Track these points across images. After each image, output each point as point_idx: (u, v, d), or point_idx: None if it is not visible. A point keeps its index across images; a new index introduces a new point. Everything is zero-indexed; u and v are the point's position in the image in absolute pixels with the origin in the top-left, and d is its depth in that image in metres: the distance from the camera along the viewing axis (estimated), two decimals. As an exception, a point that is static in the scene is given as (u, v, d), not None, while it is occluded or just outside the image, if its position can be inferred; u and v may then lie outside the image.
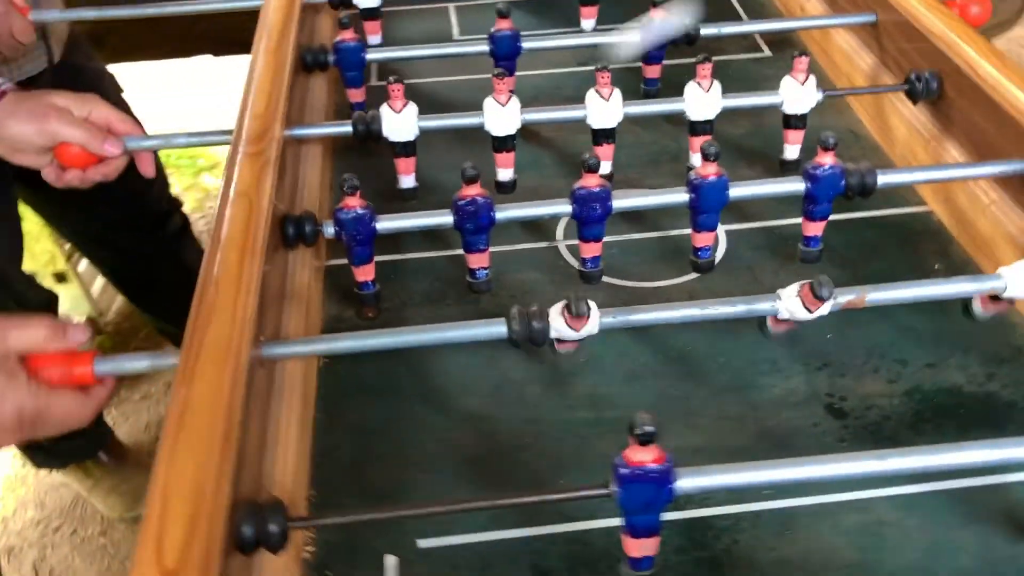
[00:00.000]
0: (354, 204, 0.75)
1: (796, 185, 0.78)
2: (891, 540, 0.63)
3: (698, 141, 0.91)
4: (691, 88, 0.90)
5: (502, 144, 0.89)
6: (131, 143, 0.87)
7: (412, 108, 0.87)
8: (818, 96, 0.92)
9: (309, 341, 0.66)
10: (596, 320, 0.65)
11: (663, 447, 0.53)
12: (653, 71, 1.04)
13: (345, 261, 0.88)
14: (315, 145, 0.96)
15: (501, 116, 0.87)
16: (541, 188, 0.96)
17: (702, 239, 0.79)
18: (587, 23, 1.18)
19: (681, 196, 0.77)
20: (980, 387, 0.74)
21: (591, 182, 0.75)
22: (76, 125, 0.84)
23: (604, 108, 0.88)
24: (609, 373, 0.76)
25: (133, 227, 1.52)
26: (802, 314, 0.64)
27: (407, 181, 0.91)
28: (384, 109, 0.87)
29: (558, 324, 0.64)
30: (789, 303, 0.65)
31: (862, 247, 0.89)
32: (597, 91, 0.88)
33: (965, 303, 0.70)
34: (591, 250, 0.79)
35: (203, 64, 2.38)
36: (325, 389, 0.75)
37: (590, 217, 0.76)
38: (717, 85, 0.90)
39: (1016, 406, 0.72)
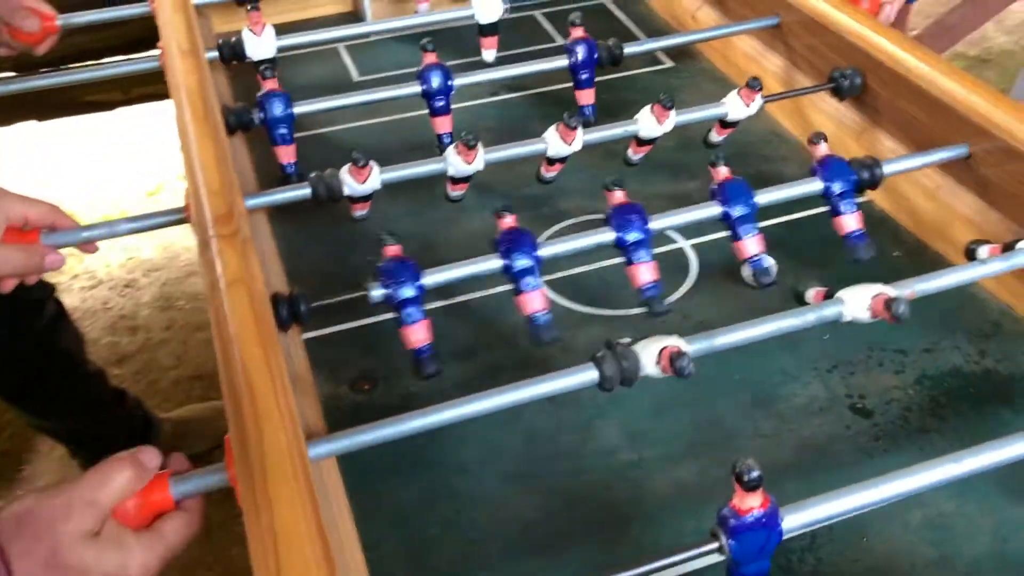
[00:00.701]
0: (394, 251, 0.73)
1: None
2: (959, 530, 0.65)
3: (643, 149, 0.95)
4: (646, 114, 0.90)
5: (464, 181, 0.88)
6: (66, 238, 0.78)
7: (375, 168, 0.82)
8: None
9: (360, 432, 0.60)
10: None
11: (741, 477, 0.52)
12: (587, 97, 1.04)
13: (319, 332, 0.83)
14: (260, 213, 0.89)
15: (466, 168, 0.85)
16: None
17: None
18: (488, 53, 1.16)
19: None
20: (978, 365, 0.78)
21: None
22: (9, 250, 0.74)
23: (565, 148, 0.88)
24: (634, 408, 0.75)
25: (4, 323, 1.37)
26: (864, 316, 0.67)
27: (360, 213, 0.89)
28: (345, 174, 0.82)
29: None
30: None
31: (821, 244, 0.91)
32: (559, 134, 0.86)
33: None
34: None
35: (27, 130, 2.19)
36: (349, 476, 0.69)
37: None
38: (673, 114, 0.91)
39: (1015, 378, 0.76)
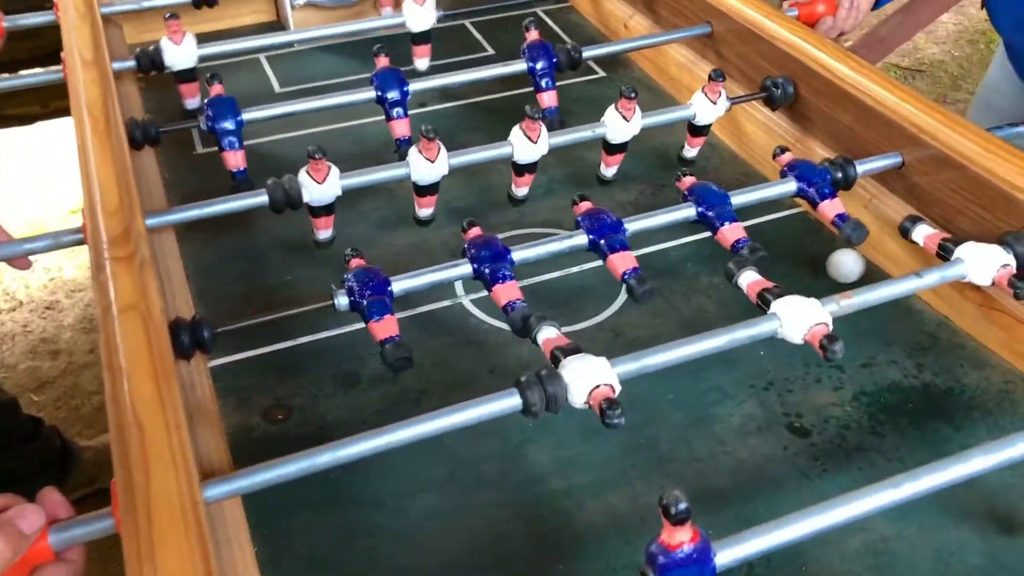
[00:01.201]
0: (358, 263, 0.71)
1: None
2: (900, 555, 0.62)
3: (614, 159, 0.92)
4: (611, 113, 0.88)
5: (430, 190, 0.85)
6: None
7: (334, 169, 0.79)
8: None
9: (265, 469, 0.55)
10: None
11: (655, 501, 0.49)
12: (550, 99, 1.01)
13: (230, 359, 0.78)
14: (167, 233, 0.84)
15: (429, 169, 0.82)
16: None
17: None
18: (421, 62, 1.12)
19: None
20: (916, 379, 0.76)
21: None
22: None
23: (531, 147, 0.85)
24: (563, 433, 0.71)
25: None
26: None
27: (324, 234, 0.85)
28: (303, 176, 0.78)
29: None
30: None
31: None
32: (523, 131, 0.84)
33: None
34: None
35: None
36: (256, 516, 0.64)
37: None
38: (638, 109, 0.89)
39: (953, 392, 0.74)
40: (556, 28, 1.31)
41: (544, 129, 0.85)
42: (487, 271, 0.72)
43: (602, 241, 0.74)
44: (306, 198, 0.78)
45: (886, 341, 0.79)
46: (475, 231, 0.75)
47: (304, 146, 0.77)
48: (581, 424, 0.71)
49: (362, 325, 0.69)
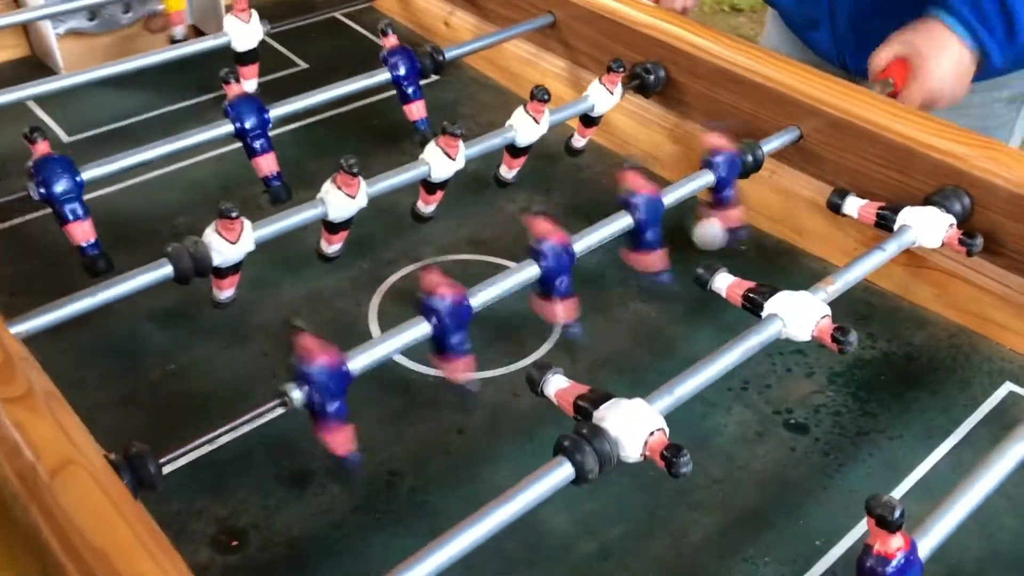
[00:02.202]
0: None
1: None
2: None
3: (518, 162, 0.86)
4: (520, 115, 0.82)
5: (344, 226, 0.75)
6: None
7: (248, 226, 0.67)
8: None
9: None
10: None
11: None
12: (419, 109, 0.91)
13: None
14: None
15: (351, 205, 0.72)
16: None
17: None
18: (250, 84, 0.98)
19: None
20: (875, 349, 0.76)
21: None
22: None
23: (450, 165, 0.77)
24: (569, 489, 0.63)
25: None
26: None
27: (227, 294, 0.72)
28: (213, 238, 0.64)
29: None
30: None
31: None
32: (442, 148, 0.75)
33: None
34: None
35: None
36: None
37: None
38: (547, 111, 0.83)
39: (911, 357, 0.75)
40: (363, 32, 1.20)
41: (462, 145, 0.76)
42: (451, 340, 0.62)
43: (558, 281, 0.67)
44: (216, 261, 0.64)
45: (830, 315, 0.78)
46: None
47: (138, 196, 0.63)
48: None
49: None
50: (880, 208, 0.75)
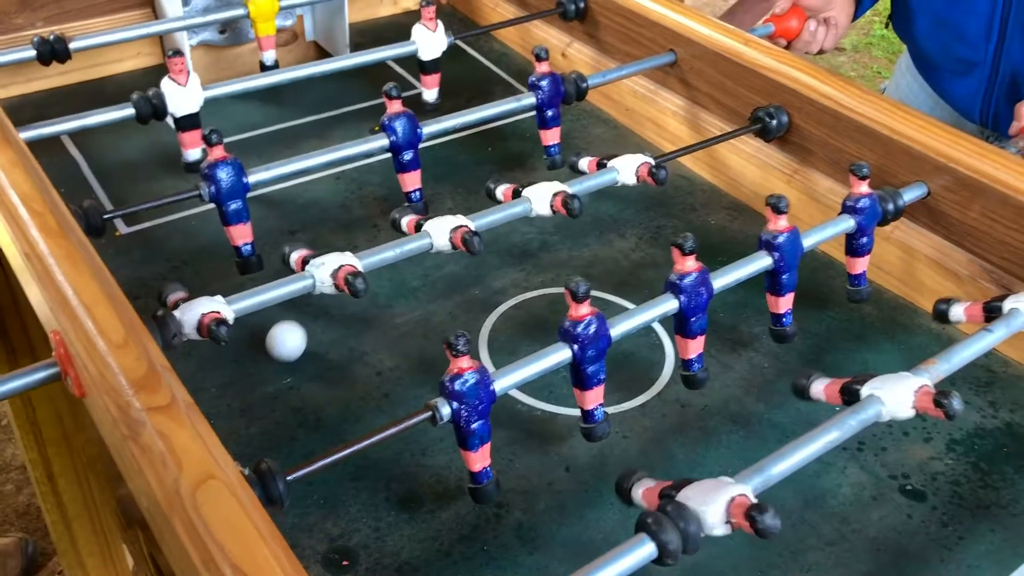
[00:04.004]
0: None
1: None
2: None
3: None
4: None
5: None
6: None
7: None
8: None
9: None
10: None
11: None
12: (554, 136, 0.94)
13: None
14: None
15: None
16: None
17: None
18: (430, 93, 1.05)
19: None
20: (996, 418, 0.73)
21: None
22: None
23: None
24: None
25: None
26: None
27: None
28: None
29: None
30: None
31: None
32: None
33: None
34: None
35: None
36: None
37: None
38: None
39: (1036, 428, 0.73)
40: (480, 57, 1.22)
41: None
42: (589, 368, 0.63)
43: (693, 319, 0.67)
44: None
45: (949, 381, 0.76)
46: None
47: (261, 209, 0.65)
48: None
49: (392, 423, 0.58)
50: (986, 303, 0.72)
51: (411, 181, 0.86)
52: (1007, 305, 0.71)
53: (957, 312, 0.75)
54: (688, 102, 1.02)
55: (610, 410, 0.73)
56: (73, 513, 1.19)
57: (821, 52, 1.12)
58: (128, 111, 0.86)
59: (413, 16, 1.31)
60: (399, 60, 1.17)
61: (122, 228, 0.89)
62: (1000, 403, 0.75)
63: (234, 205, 0.75)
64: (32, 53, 0.94)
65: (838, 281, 0.86)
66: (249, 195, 0.77)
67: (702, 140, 0.94)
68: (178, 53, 0.85)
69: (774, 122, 0.91)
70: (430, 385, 0.74)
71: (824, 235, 0.76)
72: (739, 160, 0.97)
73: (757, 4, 1.17)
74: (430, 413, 0.56)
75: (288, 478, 0.53)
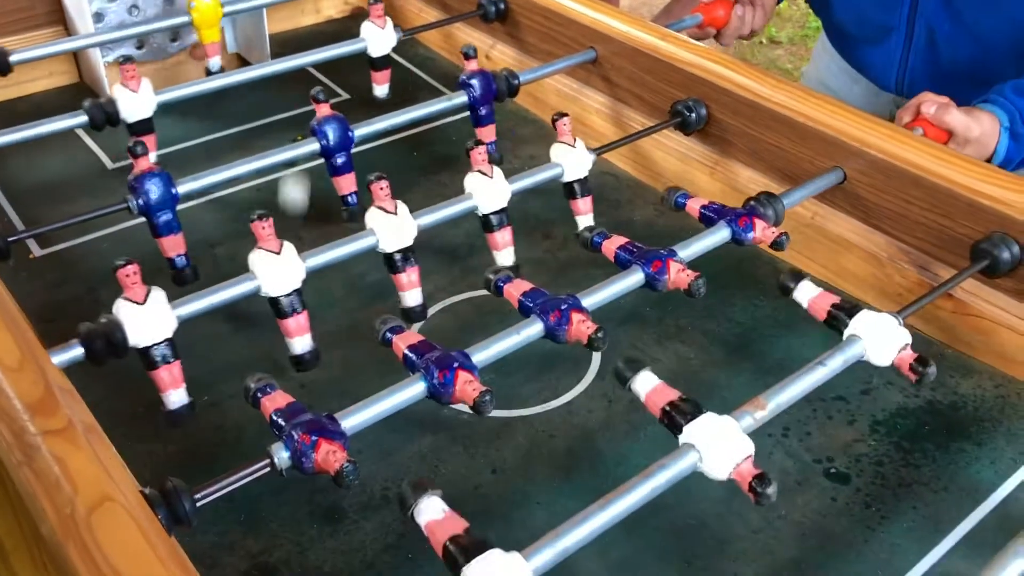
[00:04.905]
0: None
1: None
2: None
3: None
4: (474, 178, 0.78)
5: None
6: None
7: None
8: (592, 157, 0.85)
9: None
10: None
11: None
12: (489, 133, 0.95)
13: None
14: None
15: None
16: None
17: None
18: (381, 89, 1.08)
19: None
20: (918, 397, 0.74)
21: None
22: None
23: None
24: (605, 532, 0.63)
25: None
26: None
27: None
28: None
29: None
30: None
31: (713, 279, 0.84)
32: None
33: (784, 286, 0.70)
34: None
35: None
36: None
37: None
38: (499, 171, 0.80)
39: (957, 407, 0.73)
40: (408, 64, 1.21)
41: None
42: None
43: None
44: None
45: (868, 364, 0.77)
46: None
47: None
48: (617, 558, 0.63)
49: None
50: (833, 305, 0.67)
51: (346, 184, 0.86)
52: (848, 330, 0.65)
53: (802, 294, 0.69)
54: (611, 99, 1.03)
55: (536, 410, 0.72)
56: (10, 547, 1.16)
57: (752, 34, 1.13)
58: (81, 118, 0.86)
59: (335, 24, 1.31)
60: (320, 66, 1.16)
61: (36, 250, 0.87)
62: (925, 386, 0.75)
63: (164, 216, 0.75)
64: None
65: (763, 270, 0.87)
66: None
67: (625, 136, 0.94)
68: (128, 59, 0.86)
69: (693, 115, 0.92)
70: (354, 395, 0.73)
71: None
72: (662, 154, 0.97)
73: (683, 9, 1.18)
74: (268, 461, 0.54)
75: (196, 496, 0.52)
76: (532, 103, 1.11)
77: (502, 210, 0.78)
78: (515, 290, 0.67)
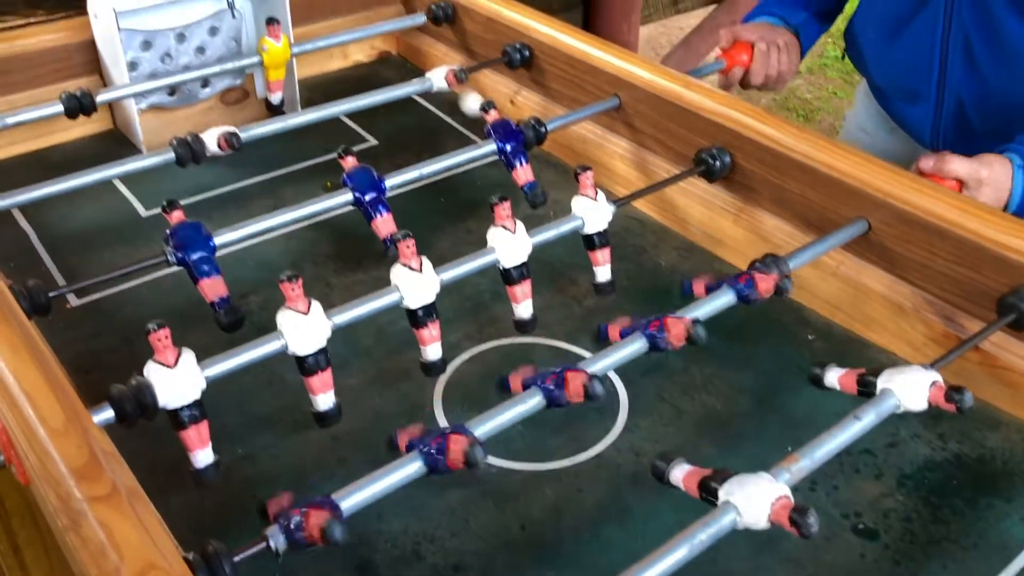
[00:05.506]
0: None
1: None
2: None
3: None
4: (497, 232, 0.79)
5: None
6: None
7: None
8: (612, 209, 0.85)
9: None
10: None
11: None
12: (526, 174, 0.97)
13: None
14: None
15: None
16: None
17: None
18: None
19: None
20: (945, 450, 0.74)
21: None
22: None
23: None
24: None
25: None
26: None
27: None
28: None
29: None
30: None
31: (738, 328, 0.85)
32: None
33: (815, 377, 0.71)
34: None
35: None
36: None
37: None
38: (521, 225, 0.80)
39: (985, 460, 0.74)
40: (431, 108, 1.23)
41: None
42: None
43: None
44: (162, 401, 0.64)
45: (899, 414, 0.77)
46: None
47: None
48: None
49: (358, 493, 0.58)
50: (861, 375, 0.68)
51: (384, 227, 0.88)
52: (880, 383, 0.66)
53: (832, 379, 0.70)
54: (635, 145, 1.04)
55: (564, 463, 0.73)
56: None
57: (782, 80, 1.15)
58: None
59: (362, 69, 1.33)
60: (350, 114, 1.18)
61: (73, 300, 0.89)
62: (948, 435, 0.76)
63: (205, 265, 0.77)
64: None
65: (788, 317, 0.87)
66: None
67: (651, 184, 0.96)
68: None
69: (717, 164, 0.93)
70: (380, 448, 0.74)
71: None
72: (686, 201, 0.98)
73: (702, 42, 1.20)
74: (264, 544, 0.55)
75: (236, 559, 0.53)
76: (556, 148, 1.12)
77: (522, 264, 0.79)
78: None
